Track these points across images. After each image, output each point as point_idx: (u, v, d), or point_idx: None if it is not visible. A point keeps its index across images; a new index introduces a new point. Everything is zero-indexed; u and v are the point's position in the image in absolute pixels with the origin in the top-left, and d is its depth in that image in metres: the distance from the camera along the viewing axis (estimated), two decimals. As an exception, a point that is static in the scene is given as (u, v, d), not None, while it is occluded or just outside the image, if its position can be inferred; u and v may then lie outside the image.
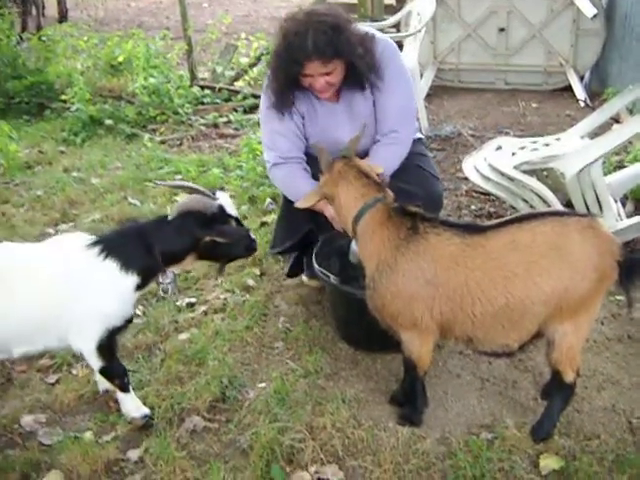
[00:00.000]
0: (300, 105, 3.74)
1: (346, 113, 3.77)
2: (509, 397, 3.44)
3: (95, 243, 3.09)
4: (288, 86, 3.62)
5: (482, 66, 8.69)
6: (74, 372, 3.73)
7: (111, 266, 3.06)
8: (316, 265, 3.72)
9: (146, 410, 3.31)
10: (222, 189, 3.71)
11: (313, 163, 3.65)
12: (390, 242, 3.02)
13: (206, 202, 3.18)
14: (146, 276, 3.17)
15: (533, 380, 3.55)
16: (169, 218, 3.16)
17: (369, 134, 3.77)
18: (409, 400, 3.30)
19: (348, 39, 3.41)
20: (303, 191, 3.52)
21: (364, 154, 3.72)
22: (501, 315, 2.91)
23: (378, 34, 3.74)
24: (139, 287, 3.16)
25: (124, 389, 3.26)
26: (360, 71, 3.54)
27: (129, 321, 3.22)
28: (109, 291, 3.08)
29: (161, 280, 3.26)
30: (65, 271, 3.04)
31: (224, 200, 3.24)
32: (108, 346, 3.14)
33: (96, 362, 3.15)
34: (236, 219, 3.30)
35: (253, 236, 3.36)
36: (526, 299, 2.88)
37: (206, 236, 3.17)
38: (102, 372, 3.22)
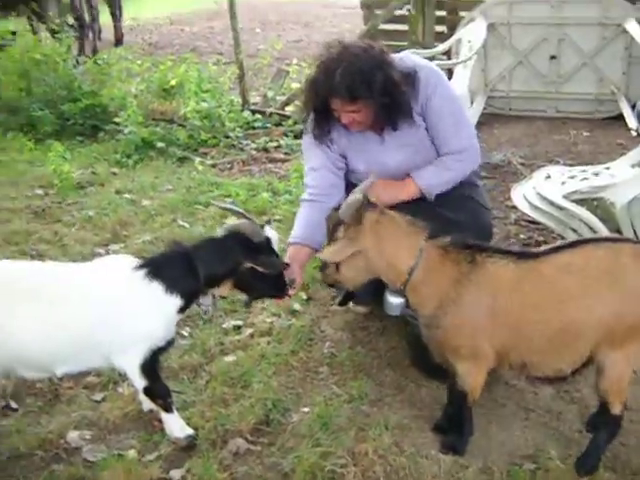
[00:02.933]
0: (339, 137, 3.77)
1: (393, 142, 3.76)
2: (554, 428, 3.41)
3: (141, 266, 3.14)
4: (320, 115, 3.67)
5: (533, 94, 8.66)
6: (120, 390, 3.76)
7: (156, 289, 3.10)
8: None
9: (190, 430, 3.34)
10: (268, 222, 3.77)
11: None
12: (451, 278, 3.02)
13: (256, 229, 3.22)
14: (189, 298, 3.21)
15: (579, 412, 3.52)
16: (217, 235, 3.22)
17: (422, 160, 3.78)
18: (455, 428, 3.28)
19: (379, 82, 3.43)
20: (290, 239, 3.73)
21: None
22: (556, 338, 2.94)
23: (420, 61, 3.76)
24: (182, 309, 3.20)
25: (168, 409, 3.29)
26: (389, 114, 3.57)
27: (171, 342, 3.27)
28: (154, 313, 3.13)
29: (201, 302, 3.30)
30: (112, 292, 3.09)
31: (271, 235, 3.28)
32: (151, 366, 3.18)
33: (140, 382, 3.19)
34: (277, 256, 3.34)
35: (288, 281, 3.42)
36: (579, 321, 2.90)
37: (248, 262, 3.19)
38: (146, 392, 3.25)
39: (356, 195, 3.08)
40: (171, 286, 3.12)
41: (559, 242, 3.12)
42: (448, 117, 3.71)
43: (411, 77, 3.61)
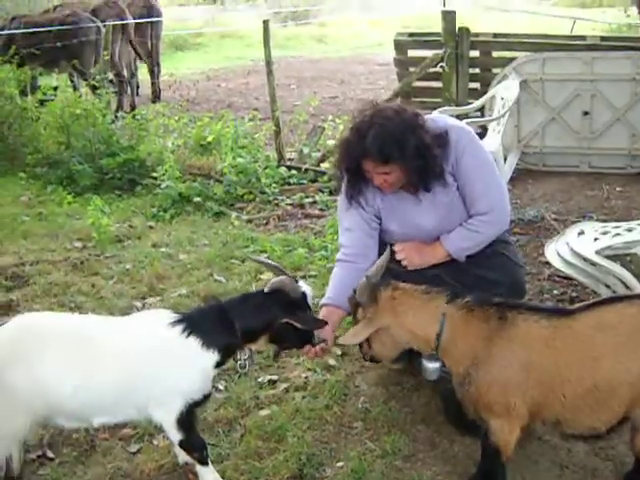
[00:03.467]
0: (374, 198, 3.85)
1: (426, 202, 3.82)
2: (588, 486, 3.39)
3: (179, 321, 3.21)
4: (353, 176, 3.75)
5: (566, 149, 8.66)
6: (155, 442, 3.81)
7: (193, 344, 3.17)
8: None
9: None
10: (303, 278, 3.85)
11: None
12: (481, 335, 3.07)
13: (294, 286, 3.29)
14: (226, 354, 3.27)
15: (614, 469, 3.49)
16: (255, 291, 3.29)
17: (455, 220, 3.83)
18: (487, 484, 3.28)
19: (411, 146, 3.52)
20: (324, 300, 3.79)
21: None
22: (589, 396, 2.94)
23: (451, 122, 3.84)
24: (218, 364, 3.26)
25: (203, 462, 3.33)
26: (419, 177, 3.64)
27: (207, 396, 3.32)
28: (191, 368, 3.19)
29: (239, 357, 3.35)
30: (149, 346, 3.18)
31: (306, 289, 3.37)
32: (187, 420, 3.23)
33: (176, 435, 3.25)
34: (311, 311, 3.42)
35: (318, 339, 3.49)
36: (613, 380, 2.91)
37: (285, 318, 3.25)
38: (181, 445, 3.30)
39: (368, 276, 3.20)
40: (208, 342, 3.19)
41: (592, 300, 3.13)
42: (478, 177, 3.76)
43: (442, 138, 3.67)
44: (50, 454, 3.77)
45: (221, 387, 4.29)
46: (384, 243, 3.86)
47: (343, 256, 3.91)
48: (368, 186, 3.79)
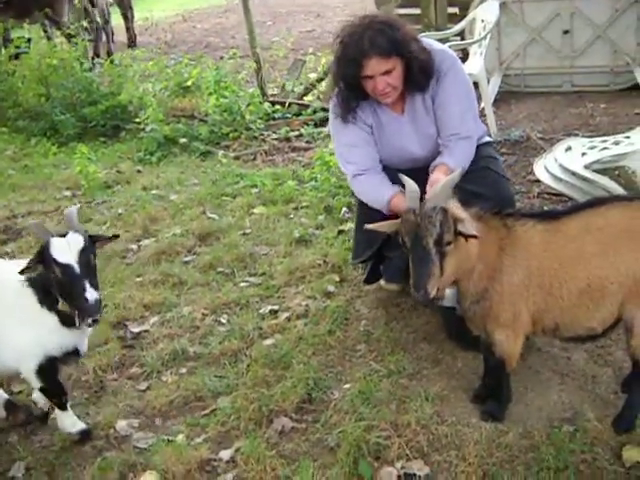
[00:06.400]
0: (367, 117, 3.84)
1: (411, 125, 3.85)
2: (589, 391, 3.47)
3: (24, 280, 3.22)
4: (350, 92, 3.73)
5: (548, 69, 8.64)
6: (164, 379, 3.88)
7: (32, 300, 3.20)
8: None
9: (82, 425, 3.47)
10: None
11: (387, 173, 3.80)
12: (496, 246, 3.08)
13: (41, 233, 3.16)
14: (61, 313, 3.20)
15: (613, 374, 3.57)
16: None
17: (435, 149, 3.85)
18: (493, 396, 3.36)
19: (403, 36, 3.53)
20: (386, 196, 3.66)
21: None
22: (584, 295, 3.02)
23: (436, 45, 3.83)
24: (65, 322, 3.21)
25: (61, 407, 3.42)
26: (417, 70, 3.62)
27: (72, 353, 3.33)
28: (32, 326, 3.22)
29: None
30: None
31: (65, 241, 3.06)
32: (47, 371, 3.29)
33: (35, 382, 3.31)
34: (65, 266, 3.01)
35: (90, 297, 2.99)
36: (604, 279, 2.99)
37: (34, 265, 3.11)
38: (42, 391, 3.38)
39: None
40: (42, 300, 3.20)
41: (577, 203, 3.19)
42: (457, 100, 3.77)
43: (422, 41, 3.70)
44: (61, 398, 3.85)
45: (223, 320, 4.36)
46: None
47: (360, 170, 3.86)
48: (361, 104, 3.79)
